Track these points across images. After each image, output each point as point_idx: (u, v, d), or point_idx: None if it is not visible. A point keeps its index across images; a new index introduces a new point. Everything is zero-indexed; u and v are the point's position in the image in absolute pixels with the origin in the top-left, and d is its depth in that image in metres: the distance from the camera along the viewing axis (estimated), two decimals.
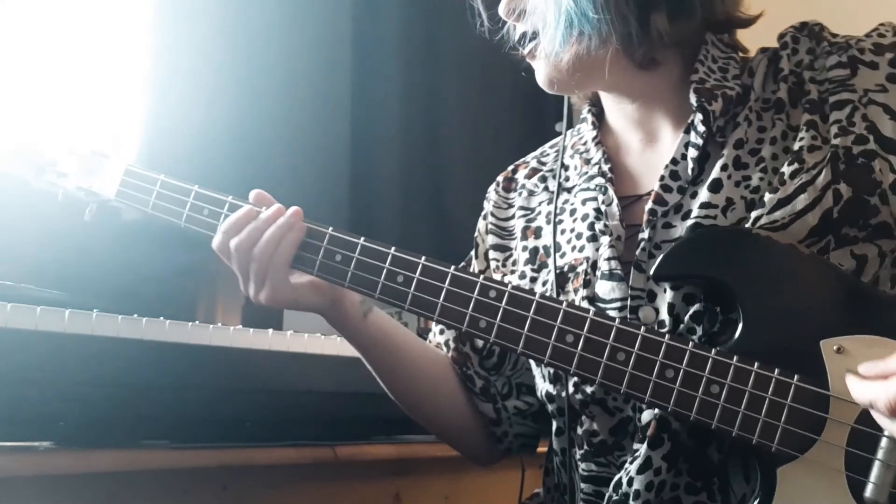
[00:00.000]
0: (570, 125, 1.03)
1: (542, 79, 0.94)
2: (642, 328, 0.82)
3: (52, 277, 1.20)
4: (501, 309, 0.86)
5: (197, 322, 1.06)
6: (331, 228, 0.93)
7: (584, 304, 0.89)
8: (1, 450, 0.90)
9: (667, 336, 0.81)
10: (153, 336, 1.00)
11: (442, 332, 1.11)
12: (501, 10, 0.95)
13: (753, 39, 0.97)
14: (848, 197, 0.82)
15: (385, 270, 0.90)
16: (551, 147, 1.11)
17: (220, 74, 1.55)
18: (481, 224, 1.12)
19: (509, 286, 0.86)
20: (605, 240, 0.90)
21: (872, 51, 0.88)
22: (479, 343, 1.08)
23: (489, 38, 0.98)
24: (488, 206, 1.10)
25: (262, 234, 0.92)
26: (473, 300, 0.87)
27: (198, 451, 1.04)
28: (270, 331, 1.14)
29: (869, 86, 0.86)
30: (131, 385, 0.96)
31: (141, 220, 1.38)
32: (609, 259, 0.89)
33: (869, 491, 0.74)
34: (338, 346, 1.18)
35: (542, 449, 1.07)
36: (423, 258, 0.89)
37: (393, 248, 0.90)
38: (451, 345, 1.09)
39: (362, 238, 0.92)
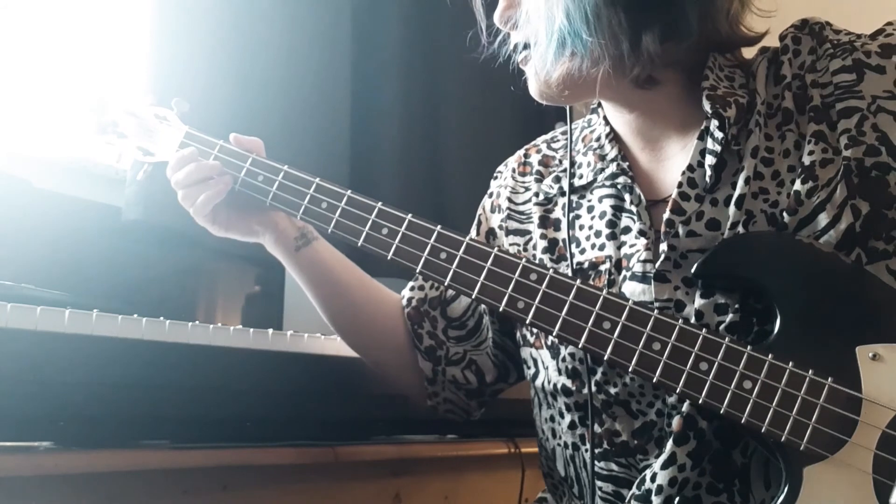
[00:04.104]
0: (570, 126, 1.02)
1: (532, 90, 0.95)
2: (680, 320, 0.82)
3: (52, 277, 1.20)
4: (541, 292, 0.86)
5: (197, 322, 1.06)
6: (380, 203, 0.98)
7: None
8: (1, 450, 0.89)
9: (703, 330, 0.81)
10: (153, 336, 1.00)
11: (412, 288, 1.12)
12: (496, 19, 0.94)
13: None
14: (867, 212, 0.81)
15: (429, 246, 0.92)
16: (563, 134, 1.09)
17: (219, 73, 1.55)
18: (486, 202, 1.12)
19: (550, 270, 0.87)
20: (640, 241, 0.89)
21: (879, 53, 0.85)
22: (456, 313, 1.09)
23: (487, 44, 0.98)
24: (500, 189, 1.09)
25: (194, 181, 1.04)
26: (514, 281, 0.88)
27: (198, 451, 1.04)
28: (270, 331, 1.14)
29: (877, 92, 0.84)
30: (131, 385, 0.96)
31: (141, 220, 1.39)
32: (645, 261, 0.88)
33: (895, 496, 0.74)
34: (337, 346, 1.18)
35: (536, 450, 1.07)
36: (468, 238, 0.92)
37: (439, 227, 0.93)
38: (413, 303, 1.10)
39: (410, 215, 0.95)
